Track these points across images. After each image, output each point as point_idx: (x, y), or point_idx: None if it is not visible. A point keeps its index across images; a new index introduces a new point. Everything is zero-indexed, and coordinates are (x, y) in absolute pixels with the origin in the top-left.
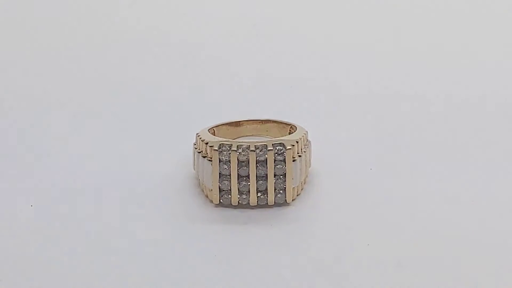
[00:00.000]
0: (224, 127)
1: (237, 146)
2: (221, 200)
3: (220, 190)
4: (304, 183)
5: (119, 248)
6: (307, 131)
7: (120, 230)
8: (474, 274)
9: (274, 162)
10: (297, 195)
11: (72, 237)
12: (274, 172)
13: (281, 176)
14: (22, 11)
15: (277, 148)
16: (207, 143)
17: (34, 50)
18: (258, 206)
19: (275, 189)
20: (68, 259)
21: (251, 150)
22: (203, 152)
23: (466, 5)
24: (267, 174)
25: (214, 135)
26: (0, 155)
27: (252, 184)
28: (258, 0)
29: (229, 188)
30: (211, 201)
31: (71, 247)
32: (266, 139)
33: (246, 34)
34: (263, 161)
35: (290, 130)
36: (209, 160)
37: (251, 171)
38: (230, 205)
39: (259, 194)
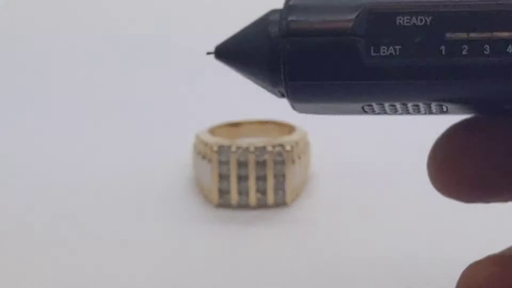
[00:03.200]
0: (223, 127)
1: (236, 147)
2: (220, 201)
3: (220, 191)
4: (304, 184)
5: (117, 251)
6: (307, 132)
7: (118, 232)
8: None
9: (274, 163)
10: (297, 196)
11: (69, 238)
12: (274, 173)
13: (281, 177)
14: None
15: (276, 149)
16: (206, 144)
17: (34, 48)
18: (258, 206)
19: (274, 190)
20: (66, 260)
21: (251, 152)
22: (202, 153)
23: None
24: (266, 175)
25: (213, 135)
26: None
27: (252, 185)
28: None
29: (228, 189)
30: (211, 202)
31: (69, 248)
32: (265, 140)
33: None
34: (262, 162)
35: (290, 131)
36: (209, 161)
37: (250, 172)
38: (229, 206)
39: (258, 195)
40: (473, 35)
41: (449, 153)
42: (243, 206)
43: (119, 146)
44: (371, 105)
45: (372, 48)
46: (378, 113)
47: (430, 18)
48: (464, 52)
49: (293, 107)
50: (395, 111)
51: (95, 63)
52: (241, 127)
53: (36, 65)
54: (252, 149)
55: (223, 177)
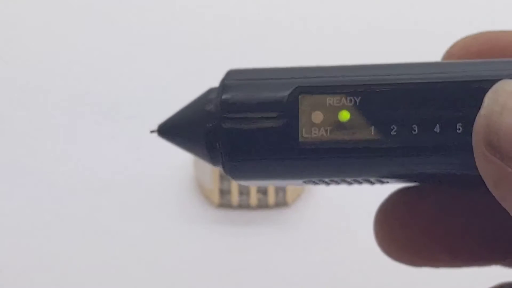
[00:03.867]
0: None
1: None
2: (221, 201)
3: (220, 191)
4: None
5: (118, 251)
6: None
7: (118, 233)
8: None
9: None
10: (297, 197)
11: (69, 239)
12: None
13: None
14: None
15: None
16: None
17: (32, 48)
18: (258, 207)
19: (275, 190)
20: (65, 261)
21: None
22: None
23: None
24: None
25: None
26: None
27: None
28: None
29: (229, 189)
30: (212, 202)
31: (69, 249)
32: None
33: (246, 32)
34: None
35: None
36: None
37: None
38: (230, 206)
39: (259, 195)
40: (400, 113)
41: (390, 220)
42: (244, 206)
43: (120, 147)
44: (312, 180)
45: (303, 129)
46: (320, 185)
47: (359, 98)
48: (393, 132)
49: (236, 181)
50: (336, 183)
51: (96, 62)
52: None
53: (37, 64)
54: None
55: (224, 177)
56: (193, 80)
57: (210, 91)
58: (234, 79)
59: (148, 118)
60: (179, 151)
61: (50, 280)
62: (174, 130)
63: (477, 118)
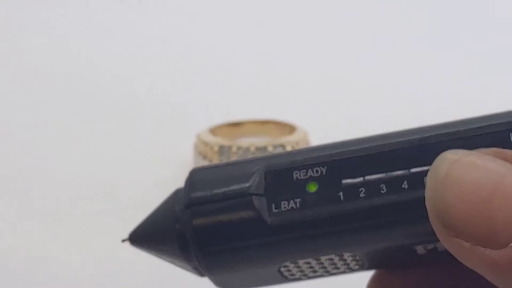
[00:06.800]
0: (224, 127)
1: (237, 148)
2: None
3: None
4: None
5: (117, 251)
6: (307, 132)
7: (118, 233)
8: None
9: None
10: None
11: (69, 239)
12: None
13: None
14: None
15: (277, 149)
16: (207, 144)
17: (32, 50)
18: None
19: None
20: (65, 261)
21: (251, 152)
22: (203, 153)
23: None
24: None
25: (214, 136)
26: None
27: None
28: (258, 0)
29: None
30: None
31: (69, 249)
32: (266, 140)
33: (246, 33)
34: None
35: (290, 131)
36: (210, 161)
37: None
38: None
39: None
40: (368, 177)
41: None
42: None
43: (119, 147)
44: (287, 266)
45: (273, 205)
46: (299, 278)
47: (325, 168)
48: (361, 195)
49: (215, 283)
50: (313, 272)
51: (98, 63)
52: (241, 127)
53: (42, 66)
54: (252, 149)
55: None
56: (193, 80)
57: (177, 191)
58: (198, 175)
59: (149, 118)
60: (180, 151)
61: (50, 281)
62: (146, 237)
63: (426, 202)
